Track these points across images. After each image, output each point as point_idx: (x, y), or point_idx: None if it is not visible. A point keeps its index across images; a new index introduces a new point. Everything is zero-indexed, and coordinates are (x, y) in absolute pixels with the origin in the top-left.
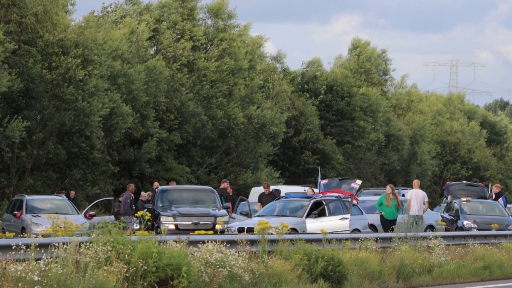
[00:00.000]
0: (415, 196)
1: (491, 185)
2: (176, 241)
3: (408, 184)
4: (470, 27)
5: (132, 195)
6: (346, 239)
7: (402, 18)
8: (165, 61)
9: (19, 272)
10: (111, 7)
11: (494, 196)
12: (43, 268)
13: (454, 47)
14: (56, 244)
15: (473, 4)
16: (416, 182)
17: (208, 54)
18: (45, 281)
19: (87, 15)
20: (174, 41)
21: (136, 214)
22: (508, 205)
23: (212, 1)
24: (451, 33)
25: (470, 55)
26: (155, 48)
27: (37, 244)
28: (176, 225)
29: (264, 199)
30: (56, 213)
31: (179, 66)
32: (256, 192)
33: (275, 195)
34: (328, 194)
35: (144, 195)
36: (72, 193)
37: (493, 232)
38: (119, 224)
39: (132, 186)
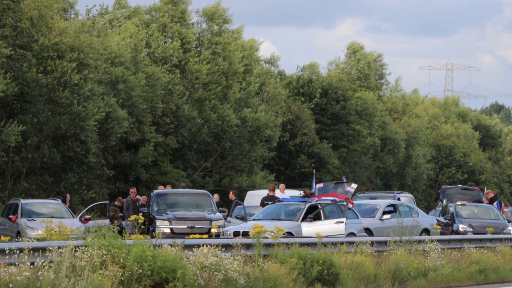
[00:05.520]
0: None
1: (486, 189)
2: (171, 245)
3: (403, 188)
4: (473, 31)
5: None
6: (342, 243)
7: (407, 22)
8: (156, 65)
9: (12, 276)
10: (96, 9)
11: (489, 200)
12: (37, 272)
13: (457, 51)
14: (51, 248)
15: (478, 8)
16: (282, 186)
17: (200, 57)
18: (40, 285)
19: (78, 19)
20: (163, 42)
21: (129, 218)
22: (506, 209)
23: (206, 5)
24: (454, 36)
25: (472, 59)
26: (145, 53)
27: (32, 248)
28: (171, 229)
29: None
30: (52, 217)
31: (170, 68)
32: (252, 195)
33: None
34: (323, 198)
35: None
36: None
37: (489, 236)
38: (113, 228)
39: (131, 190)
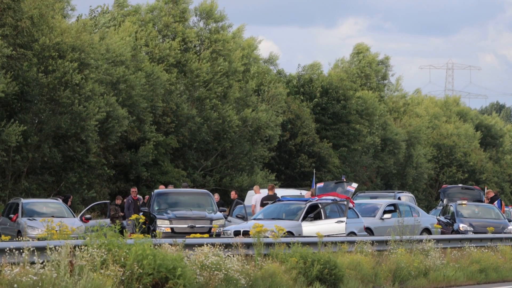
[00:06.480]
0: (259, 201)
1: (486, 189)
2: (172, 244)
3: (404, 187)
4: (475, 31)
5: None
6: (342, 242)
7: (409, 21)
8: (155, 63)
9: (14, 275)
10: (97, 10)
11: (489, 200)
12: (38, 271)
13: (458, 50)
14: (52, 247)
15: (481, 7)
16: (257, 187)
17: (200, 55)
18: (41, 284)
19: (80, 19)
20: (162, 41)
21: (130, 218)
22: (506, 209)
23: (200, 3)
24: (456, 36)
25: (474, 58)
26: (144, 52)
27: (32, 247)
28: (172, 228)
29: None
30: (52, 216)
31: (167, 67)
32: (252, 195)
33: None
34: (324, 197)
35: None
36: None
37: (489, 235)
38: (114, 228)
39: (131, 190)
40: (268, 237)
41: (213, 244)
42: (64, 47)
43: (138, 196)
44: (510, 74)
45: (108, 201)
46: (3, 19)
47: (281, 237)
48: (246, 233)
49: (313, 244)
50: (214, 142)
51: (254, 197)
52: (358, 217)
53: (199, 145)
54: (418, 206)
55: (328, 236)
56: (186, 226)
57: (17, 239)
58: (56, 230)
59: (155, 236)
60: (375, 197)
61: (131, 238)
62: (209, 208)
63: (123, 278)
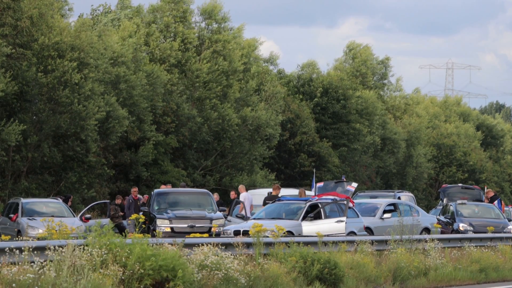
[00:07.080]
0: (247, 199)
1: (486, 188)
2: (171, 244)
3: (404, 187)
4: (476, 30)
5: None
6: (342, 242)
7: (410, 21)
8: (155, 63)
9: (13, 275)
10: (99, 9)
11: (489, 199)
12: (38, 271)
13: (459, 50)
14: (52, 247)
15: (481, 7)
16: (242, 186)
17: (201, 56)
18: (41, 284)
19: (80, 18)
20: (163, 41)
21: (130, 217)
22: (506, 208)
23: (204, 3)
24: (456, 35)
25: (474, 58)
26: (145, 52)
27: (32, 247)
28: (172, 228)
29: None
30: (52, 216)
31: (168, 67)
32: (252, 194)
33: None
34: (324, 197)
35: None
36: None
37: (489, 234)
38: (112, 227)
39: (132, 190)
40: (268, 236)
41: (213, 244)
42: (63, 47)
43: (138, 195)
44: (510, 74)
45: (108, 201)
46: (3, 19)
47: (281, 236)
48: (246, 233)
49: (313, 243)
50: (214, 141)
51: (241, 195)
52: (358, 216)
53: (199, 145)
54: (418, 206)
55: (328, 235)
56: (186, 225)
57: (17, 238)
58: (56, 230)
59: (155, 236)
60: (375, 197)
61: (129, 238)
62: (209, 207)
63: (123, 278)
